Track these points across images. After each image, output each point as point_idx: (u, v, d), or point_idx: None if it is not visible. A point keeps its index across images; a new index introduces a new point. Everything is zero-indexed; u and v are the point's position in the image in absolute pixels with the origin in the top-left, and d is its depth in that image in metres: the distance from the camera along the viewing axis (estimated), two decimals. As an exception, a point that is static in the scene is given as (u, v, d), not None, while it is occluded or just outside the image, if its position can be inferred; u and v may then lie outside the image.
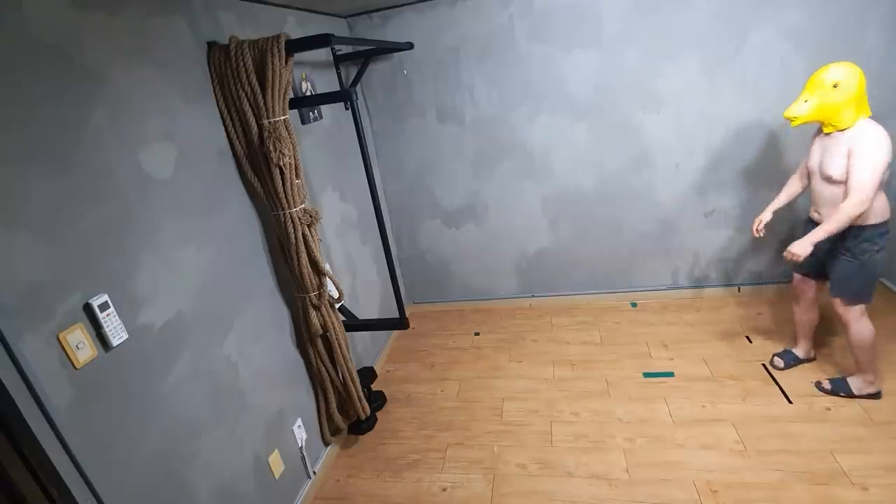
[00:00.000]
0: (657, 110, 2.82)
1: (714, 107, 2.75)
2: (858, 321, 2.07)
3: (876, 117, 2.61)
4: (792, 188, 2.25)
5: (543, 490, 2.02)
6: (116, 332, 1.28)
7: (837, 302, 2.09)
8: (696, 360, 2.64)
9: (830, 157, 1.95)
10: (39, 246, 1.13)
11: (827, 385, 2.27)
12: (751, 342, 2.72)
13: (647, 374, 2.60)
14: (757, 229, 2.25)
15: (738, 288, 3.16)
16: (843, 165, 1.89)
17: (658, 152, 2.92)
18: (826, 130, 1.99)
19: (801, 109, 1.94)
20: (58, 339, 1.14)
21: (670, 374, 2.57)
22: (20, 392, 1.06)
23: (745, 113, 2.72)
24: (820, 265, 2.17)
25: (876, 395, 2.18)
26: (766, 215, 2.25)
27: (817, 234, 1.94)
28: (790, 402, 2.26)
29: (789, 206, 2.34)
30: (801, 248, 1.97)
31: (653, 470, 2.03)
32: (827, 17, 2.49)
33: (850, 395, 2.21)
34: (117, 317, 1.28)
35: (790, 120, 2.00)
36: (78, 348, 1.18)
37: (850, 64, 1.89)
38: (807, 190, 2.21)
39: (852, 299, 2.06)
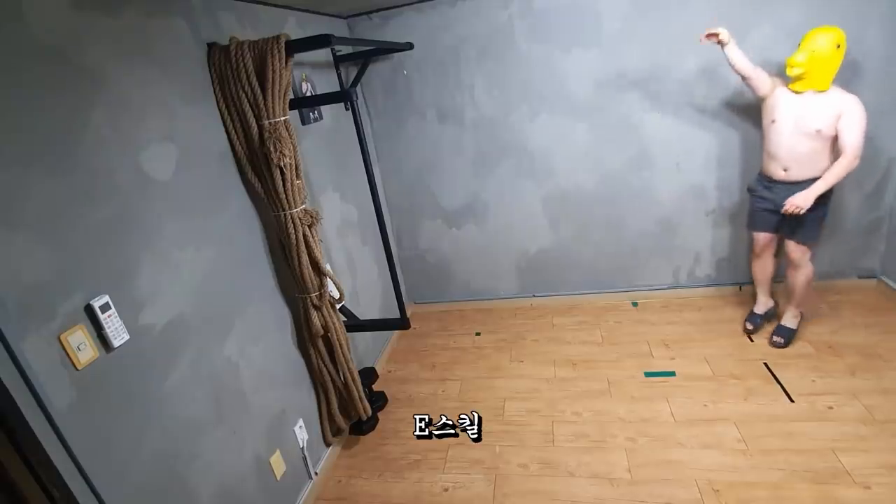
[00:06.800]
0: (657, 110, 2.82)
1: (714, 106, 2.74)
2: (809, 262, 2.40)
3: (877, 116, 2.63)
4: (748, 66, 2.26)
5: (545, 490, 2.02)
6: (118, 332, 1.28)
7: (802, 248, 2.36)
8: (697, 359, 2.64)
9: (814, 113, 2.11)
10: (40, 247, 1.13)
11: (780, 340, 2.56)
12: (752, 341, 2.71)
13: (648, 374, 2.60)
14: (707, 36, 2.23)
15: (740, 286, 3.16)
16: (831, 123, 2.08)
17: (658, 151, 2.91)
18: (796, 88, 2.16)
19: (803, 57, 2.08)
20: (59, 340, 1.14)
21: (672, 374, 2.57)
22: (21, 393, 1.06)
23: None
24: (780, 222, 2.41)
25: (796, 328, 2.59)
26: (729, 45, 2.24)
27: (818, 188, 2.13)
28: (792, 400, 2.25)
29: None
30: (804, 199, 2.14)
31: (655, 469, 2.03)
32: (827, 17, 2.47)
33: (793, 333, 2.58)
34: (118, 318, 1.28)
35: (790, 66, 2.13)
36: (79, 349, 1.18)
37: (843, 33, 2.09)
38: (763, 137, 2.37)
39: (815, 242, 2.36)
